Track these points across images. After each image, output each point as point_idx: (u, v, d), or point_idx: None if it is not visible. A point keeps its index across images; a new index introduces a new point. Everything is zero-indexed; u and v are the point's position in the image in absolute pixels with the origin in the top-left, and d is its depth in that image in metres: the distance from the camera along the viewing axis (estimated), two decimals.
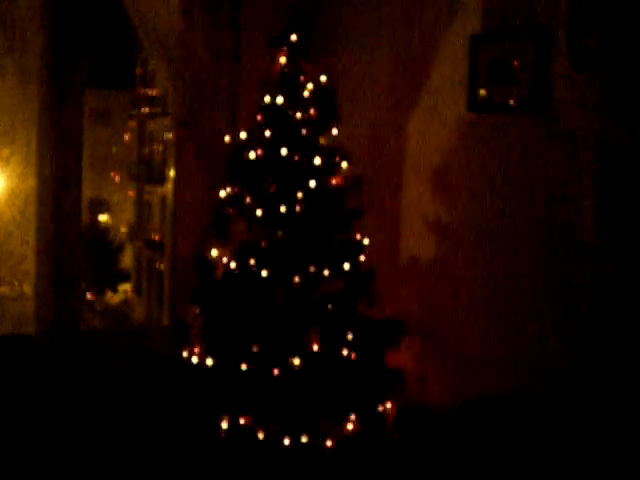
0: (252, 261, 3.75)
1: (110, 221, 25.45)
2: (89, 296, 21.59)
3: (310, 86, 3.88)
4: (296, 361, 3.65)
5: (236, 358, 3.70)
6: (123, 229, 24.86)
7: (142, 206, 23.63)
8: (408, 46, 4.64)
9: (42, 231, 4.51)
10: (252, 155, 3.83)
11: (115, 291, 23.68)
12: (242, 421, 3.67)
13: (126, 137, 25.04)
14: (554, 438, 3.65)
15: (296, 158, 3.81)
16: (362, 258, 3.94)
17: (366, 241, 3.96)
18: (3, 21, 4.45)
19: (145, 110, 22.69)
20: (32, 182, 4.50)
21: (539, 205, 3.92)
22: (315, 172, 3.81)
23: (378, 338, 3.92)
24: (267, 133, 3.83)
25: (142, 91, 22.91)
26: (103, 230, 24.68)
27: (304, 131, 3.84)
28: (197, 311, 3.96)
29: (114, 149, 25.73)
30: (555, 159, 3.85)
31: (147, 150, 23.14)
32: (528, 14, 3.98)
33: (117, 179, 25.49)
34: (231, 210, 3.89)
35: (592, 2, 3.68)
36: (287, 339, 3.69)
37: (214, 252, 3.88)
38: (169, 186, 5.07)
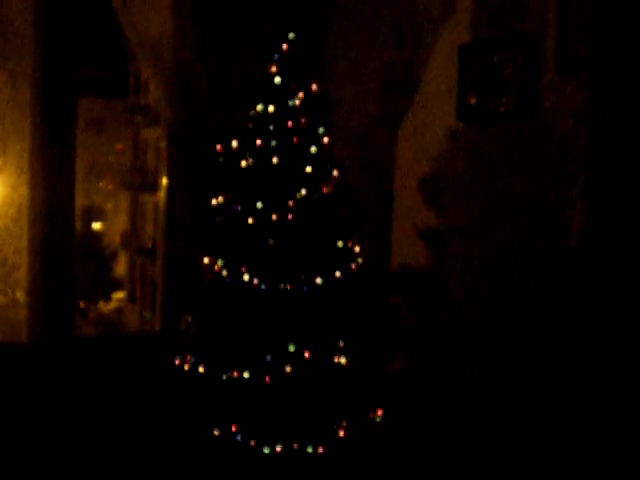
0: (243, 269, 3.76)
1: (104, 229, 25.41)
2: (82, 304, 21.55)
3: (301, 95, 3.90)
4: (288, 368, 3.66)
5: (228, 365, 3.71)
6: (117, 237, 24.82)
7: (136, 214, 23.62)
8: (399, 56, 4.67)
9: (35, 239, 4.52)
10: (243, 163, 3.85)
11: (109, 299, 23.63)
12: (234, 428, 3.68)
13: (120, 145, 25.04)
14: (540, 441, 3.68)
15: (287, 167, 3.83)
16: (353, 266, 3.95)
17: (357, 249, 3.98)
18: None
19: (138, 119, 22.69)
20: (25, 191, 4.51)
21: (528, 212, 3.95)
22: (306, 180, 3.83)
23: (370, 345, 3.93)
24: (258, 142, 3.85)
25: (135, 100, 22.93)
26: (97, 238, 24.63)
27: (295, 140, 3.86)
28: (189, 318, 3.97)
29: (108, 157, 25.73)
30: (544, 166, 3.88)
31: (140, 158, 23.14)
32: (517, 24, 4.02)
33: (110, 187, 25.47)
34: (223, 218, 3.91)
35: (580, 12, 3.71)
36: (278, 347, 3.71)
37: (206, 260, 3.89)
38: (162, 194, 5.07)
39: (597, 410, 3.58)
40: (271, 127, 3.85)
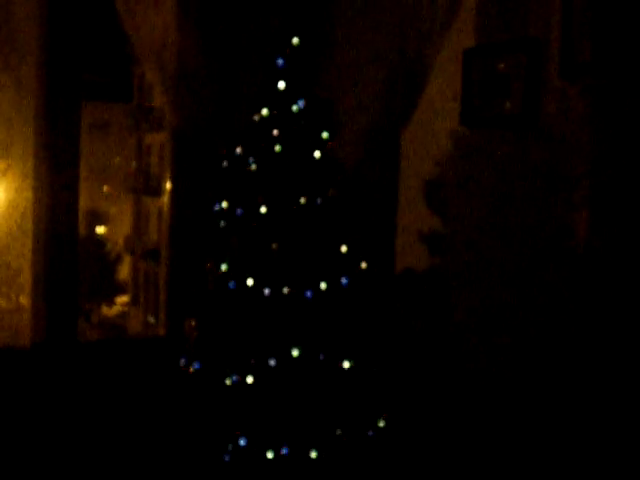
0: (247, 274, 3.76)
1: (107, 233, 25.41)
2: (86, 308, 21.55)
3: (304, 99, 3.90)
4: (291, 373, 3.66)
5: (231, 370, 3.71)
6: (120, 241, 24.82)
7: (139, 218, 23.62)
8: (402, 61, 4.67)
9: (39, 243, 4.52)
10: (247, 168, 3.85)
11: (112, 303, 23.62)
12: (237, 432, 3.68)
13: (124, 150, 25.04)
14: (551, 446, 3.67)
15: (291, 171, 3.83)
16: (357, 270, 3.95)
17: (361, 253, 3.97)
18: None
19: (143, 123, 22.70)
20: (29, 195, 4.51)
21: (532, 217, 3.95)
22: (310, 185, 3.83)
23: (375, 351, 3.93)
24: (262, 146, 3.85)
25: (140, 104, 22.94)
26: (100, 242, 24.62)
27: (299, 144, 3.86)
28: (193, 323, 3.97)
29: (112, 161, 25.72)
30: (548, 171, 3.88)
31: (144, 162, 23.16)
32: (521, 28, 4.02)
33: (111, 190, 25.46)
34: (226, 223, 3.91)
35: (585, 15, 3.71)
36: (282, 351, 3.71)
37: (209, 264, 3.89)
38: (166, 198, 5.07)
39: (601, 416, 3.58)
40: (275, 132, 3.85)
